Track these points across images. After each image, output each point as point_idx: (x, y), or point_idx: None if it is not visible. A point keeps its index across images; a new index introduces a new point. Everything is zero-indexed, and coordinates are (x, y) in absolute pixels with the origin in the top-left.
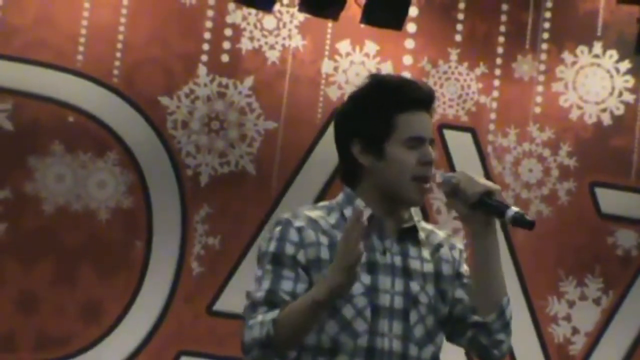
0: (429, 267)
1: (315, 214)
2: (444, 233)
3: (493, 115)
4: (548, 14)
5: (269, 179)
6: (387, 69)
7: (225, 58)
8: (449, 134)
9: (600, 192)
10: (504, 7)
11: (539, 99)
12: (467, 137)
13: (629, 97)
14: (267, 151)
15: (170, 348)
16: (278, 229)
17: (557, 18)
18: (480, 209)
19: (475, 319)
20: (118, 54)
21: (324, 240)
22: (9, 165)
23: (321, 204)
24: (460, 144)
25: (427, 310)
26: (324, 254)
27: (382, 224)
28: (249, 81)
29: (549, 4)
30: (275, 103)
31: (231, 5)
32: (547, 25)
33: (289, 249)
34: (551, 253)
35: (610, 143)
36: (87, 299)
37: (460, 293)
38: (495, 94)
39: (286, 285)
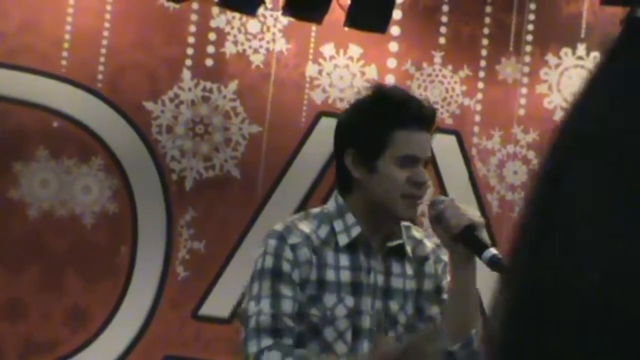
0: (410, 285)
1: (307, 227)
2: (431, 244)
3: (477, 118)
4: (532, 16)
5: (254, 182)
6: (371, 72)
7: (209, 62)
8: (433, 136)
9: None
10: (488, 9)
11: (523, 101)
12: (451, 139)
13: None
14: (252, 155)
15: (156, 353)
16: (273, 243)
17: (541, 20)
18: (461, 242)
19: (442, 346)
20: (102, 59)
21: (313, 259)
22: None
23: (313, 211)
24: (444, 146)
25: (405, 329)
26: (312, 273)
27: (369, 242)
28: (233, 85)
29: (533, 6)
30: (259, 107)
31: (215, 10)
32: (530, 27)
33: (286, 267)
34: None
35: None
36: (73, 304)
37: (435, 310)
38: (480, 96)
39: (287, 307)
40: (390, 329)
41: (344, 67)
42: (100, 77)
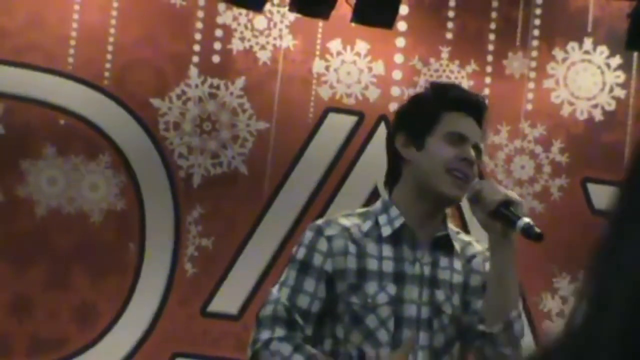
0: (458, 278)
1: (350, 221)
2: (481, 246)
3: None
4: (538, 11)
5: (262, 179)
6: (378, 67)
7: (216, 59)
8: None
9: (592, 188)
10: (494, 4)
11: (530, 96)
12: None
13: (620, 93)
14: (259, 151)
15: (164, 350)
16: (309, 235)
17: (548, 14)
18: (496, 218)
19: (481, 328)
20: (109, 56)
21: (352, 249)
22: (0, 169)
23: (359, 210)
24: None
25: (450, 320)
26: (351, 262)
27: (415, 233)
28: (240, 82)
29: (539, 1)
30: (266, 103)
31: (221, 6)
32: (537, 22)
33: (317, 259)
34: (544, 249)
35: (602, 139)
36: (81, 301)
37: (479, 304)
38: (487, 91)
39: (303, 303)
40: (435, 318)
41: (351, 63)
42: (106, 74)
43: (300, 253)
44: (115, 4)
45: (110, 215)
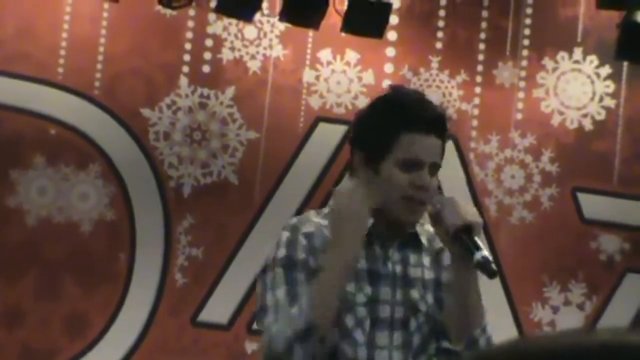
0: (429, 274)
1: (321, 220)
2: None
3: (475, 122)
4: (528, 21)
5: (252, 188)
6: (368, 77)
7: (206, 68)
8: None
9: (582, 197)
10: (484, 14)
11: (520, 105)
12: (448, 144)
13: (610, 102)
14: (249, 161)
15: (155, 359)
16: (286, 235)
17: (537, 24)
18: (455, 242)
19: (445, 345)
20: (99, 66)
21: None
22: None
23: (326, 210)
24: None
25: (425, 319)
26: None
27: (383, 233)
28: (230, 91)
29: (529, 11)
30: (257, 113)
31: (212, 16)
32: (527, 31)
33: (300, 254)
34: (535, 259)
35: (592, 148)
36: (71, 311)
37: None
38: (477, 100)
39: (303, 291)
40: (411, 317)
41: (341, 72)
42: (97, 84)
43: (281, 252)
44: (105, 14)
45: (101, 225)
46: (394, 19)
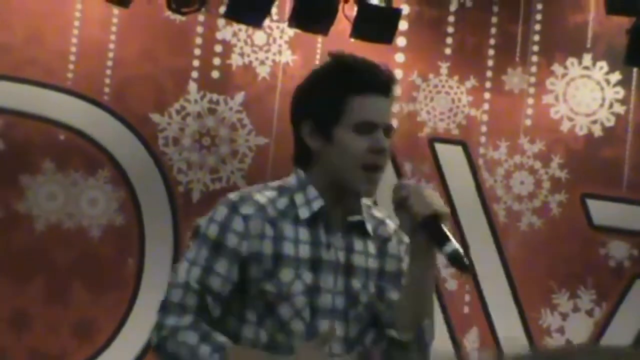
0: (373, 263)
1: (264, 197)
2: (394, 224)
3: (484, 128)
4: (538, 27)
5: None
6: None
7: (215, 74)
8: (440, 147)
9: (591, 203)
10: (494, 20)
11: (529, 111)
12: (458, 150)
13: (619, 109)
14: (258, 167)
15: None
16: (223, 212)
17: (547, 30)
18: (422, 232)
19: (392, 334)
20: (108, 71)
21: (269, 231)
22: (0, 184)
23: (273, 184)
24: (451, 157)
25: (365, 310)
26: (267, 247)
27: (330, 216)
28: (239, 97)
29: (539, 17)
30: (266, 118)
31: (221, 22)
32: (536, 37)
33: (231, 240)
34: (543, 265)
35: (601, 154)
36: (80, 316)
37: (395, 296)
38: (486, 106)
39: (215, 284)
40: (351, 308)
41: None
42: (106, 89)
43: (213, 230)
44: (114, 20)
45: (110, 230)
46: (403, 25)
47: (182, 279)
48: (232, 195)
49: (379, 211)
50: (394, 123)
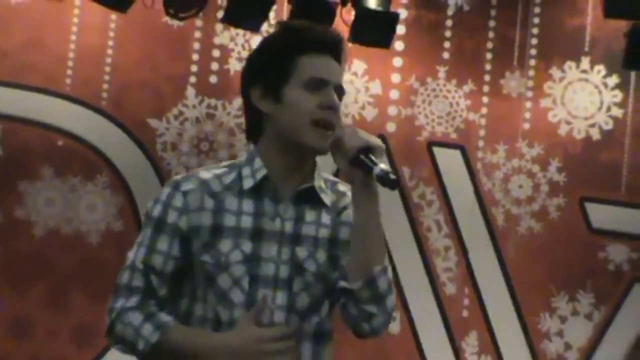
0: (324, 232)
1: (210, 174)
2: None
3: (482, 132)
4: (535, 30)
5: None
6: (375, 87)
7: (213, 79)
8: (438, 151)
9: (590, 207)
10: (491, 24)
11: (527, 115)
12: (456, 154)
13: (617, 112)
14: None
15: None
16: (166, 191)
17: (545, 34)
18: (356, 166)
19: (342, 284)
20: (106, 77)
21: (208, 204)
22: None
23: (225, 163)
24: (449, 161)
25: (314, 279)
26: (206, 219)
27: (277, 186)
28: (237, 102)
29: (536, 20)
30: None
31: (219, 27)
32: (534, 41)
33: (171, 216)
34: (542, 269)
35: (599, 158)
36: (80, 322)
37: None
38: (484, 110)
39: (157, 262)
40: (296, 276)
41: (348, 82)
42: (104, 95)
43: (156, 210)
44: (112, 25)
45: (108, 236)
46: (401, 29)
47: (129, 261)
48: (177, 176)
49: (343, 185)
50: (345, 87)
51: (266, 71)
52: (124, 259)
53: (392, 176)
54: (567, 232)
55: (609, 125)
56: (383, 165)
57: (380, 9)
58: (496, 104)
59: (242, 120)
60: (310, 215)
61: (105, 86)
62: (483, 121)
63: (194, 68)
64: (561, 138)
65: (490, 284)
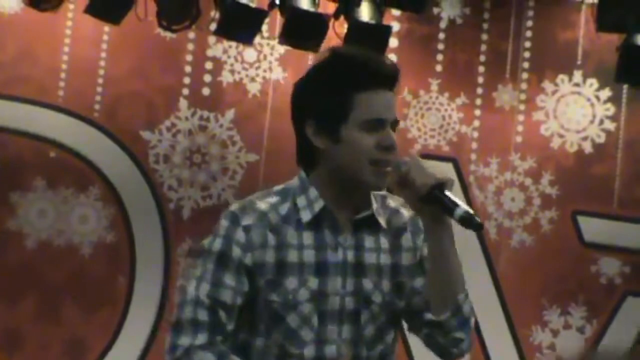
0: (385, 259)
1: (265, 205)
2: (409, 213)
3: (474, 145)
4: (528, 44)
5: None
6: None
7: (206, 91)
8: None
9: (582, 220)
10: (484, 37)
11: (520, 128)
12: (448, 167)
13: (609, 125)
14: (249, 184)
15: None
16: (225, 225)
17: (537, 47)
18: (429, 203)
19: (428, 317)
20: (99, 89)
21: (271, 240)
22: None
23: (277, 188)
24: None
25: (380, 309)
26: (270, 256)
27: (335, 216)
28: (230, 114)
29: (529, 34)
30: (256, 135)
31: (212, 39)
32: (527, 54)
33: (235, 251)
34: (534, 282)
35: (591, 171)
36: (71, 334)
37: (419, 283)
38: (477, 123)
39: (226, 297)
40: (363, 309)
41: None
42: (97, 106)
43: (217, 244)
44: (105, 37)
45: (100, 248)
46: (393, 42)
47: (191, 296)
48: (233, 206)
49: (394, 200)
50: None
51: (322, 108)
52: (183, 291)
53: (478, 219)
54: (559, 246)
55: (602, 139)
56: (465, 206)
57: (373, 22)
58: (488, 117)
59: (235, 132)
60: (369, 241)
61: (97, 98)
62: (475, 134)
63: (186, 80)
64: (553, 151)
65: (482, 297)
